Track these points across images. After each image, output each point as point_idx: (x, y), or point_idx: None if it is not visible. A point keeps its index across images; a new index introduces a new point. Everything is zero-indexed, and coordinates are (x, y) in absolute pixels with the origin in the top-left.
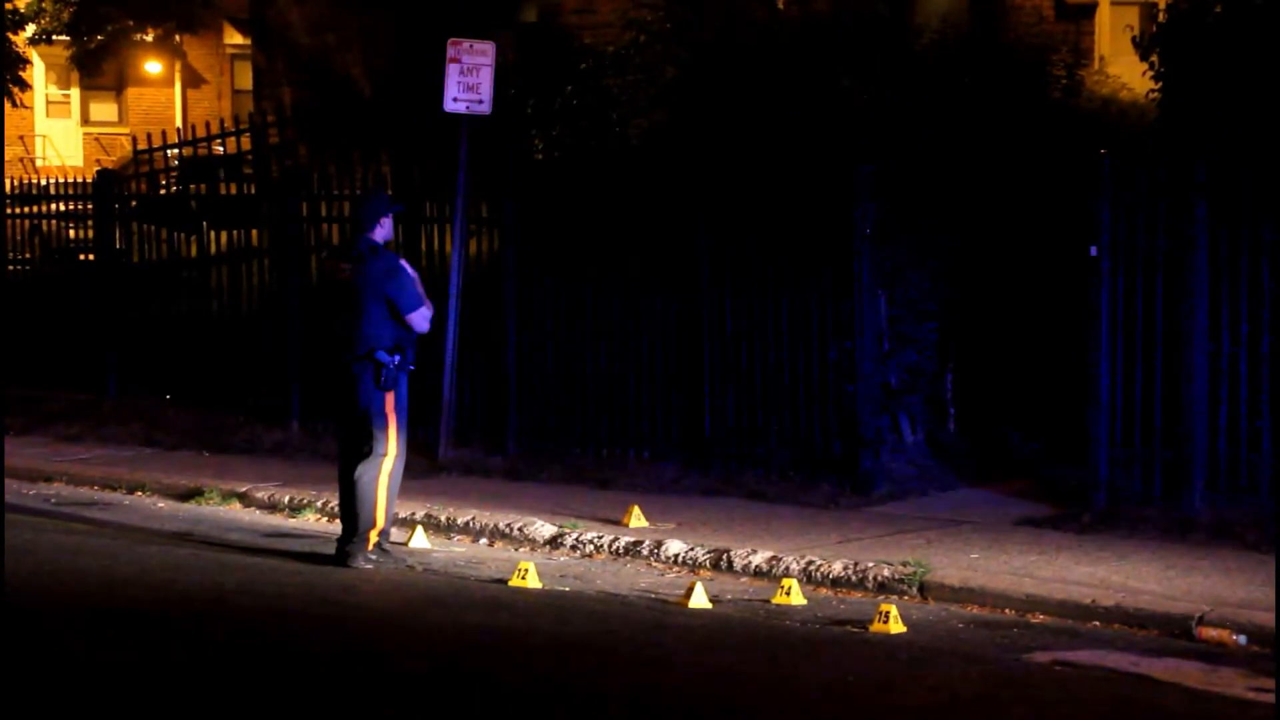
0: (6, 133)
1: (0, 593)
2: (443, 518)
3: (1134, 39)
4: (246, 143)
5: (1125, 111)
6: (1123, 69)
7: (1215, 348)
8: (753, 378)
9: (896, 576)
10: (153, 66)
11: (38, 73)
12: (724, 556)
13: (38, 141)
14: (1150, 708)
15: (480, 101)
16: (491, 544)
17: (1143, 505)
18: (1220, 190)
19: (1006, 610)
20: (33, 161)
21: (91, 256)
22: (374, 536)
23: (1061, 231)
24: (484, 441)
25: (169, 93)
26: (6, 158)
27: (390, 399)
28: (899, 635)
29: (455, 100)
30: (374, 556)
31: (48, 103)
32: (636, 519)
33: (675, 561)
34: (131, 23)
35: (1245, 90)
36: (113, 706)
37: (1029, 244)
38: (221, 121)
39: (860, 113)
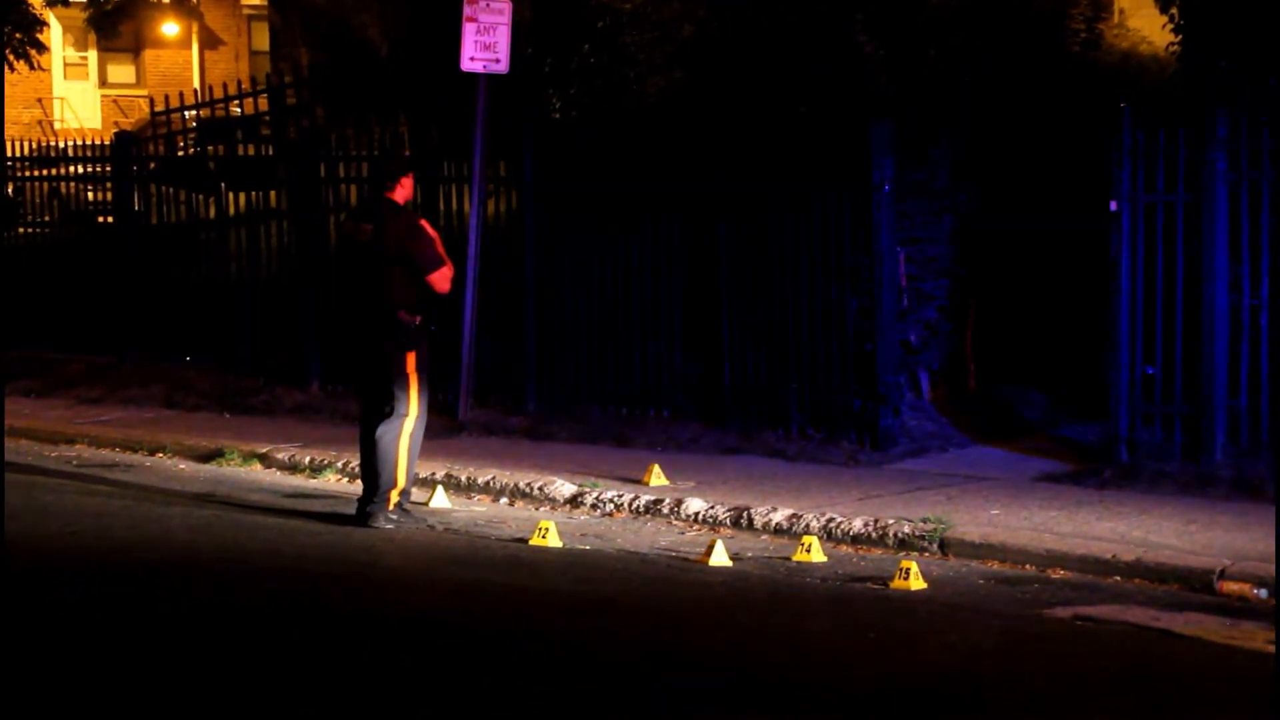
0: (24, 96)
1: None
2: (463, 477)
3: None
4: (264, 104)
5: (1145, 65)
6: (1143, 22)
7: (1235, 301)
8: (771, 336)
9: (917, 533)
10: (170, 28)
11: (55, 35)
12: (744, 514)
13: (56, 104)
14: (1171, 661)
15: (497, 61)
16: (512, 503)
17: (1163, 460)
18: (1240, 143)
19: (1027, 566)
20: (51, 124)
21: (110, 219)
22: (395, 496)
23: (1081, 186)
24: (503, 401)
25: (186, 54)
26: (25, 120)
27: (411, 359)
28: (919, 592)
29: (472, 60)
30: (395, 516)
31: (65, 65)
32: (656, 477)
33: (695, 520)
34: None
35: (1265, 43)
36: (136, 666)
37: (1048, 199)
38: (239, 83)
39: (877, 69)
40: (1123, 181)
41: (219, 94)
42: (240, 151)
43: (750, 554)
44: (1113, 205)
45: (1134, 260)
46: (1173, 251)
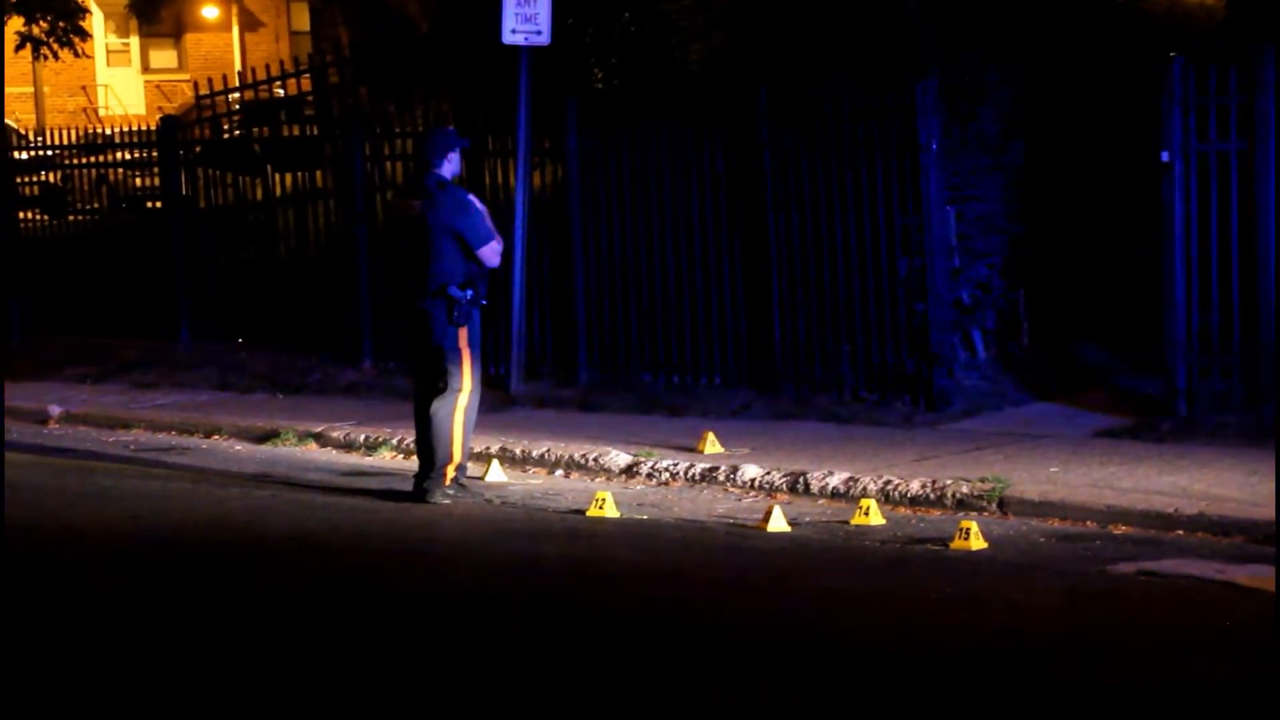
0: (69, 84)
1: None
2: (518, 451)
3: None
4: (306, 84)
5: (1191, 13)
6: None
7: None
8: (822, 300)
9: (975, 493)
10: (210, 11)
11: (97, 22)
12: (800, 479)
13: (100, 91)
14: (1235, 614)
15: (539, 32)
16: (567, 475)
17: (1222, 412)
18: None
19: (1088, 523)
20: (96, 111)
21: (158, 204)
22: (451, 471)
23: (1131, 137)
24: (555, 374)
25: (227, 37)
26: (70, 108)
27: (464, 334)
28: (980, 551)
29: (514, 32)
30: (451, 491)
31: (108, 52)
32: (711, 445)
33: (752, 486)
34: None
35: None
36: (201, 646)
37: (1099, 151)
38: (281, 64)
39: (922, 24)
40: (1174, 132)
41: (261, 76)
42: (285, 132)
43: (808, 519)
44: (1164, 156)
45: (1187, 210)
46: (1227, 198)
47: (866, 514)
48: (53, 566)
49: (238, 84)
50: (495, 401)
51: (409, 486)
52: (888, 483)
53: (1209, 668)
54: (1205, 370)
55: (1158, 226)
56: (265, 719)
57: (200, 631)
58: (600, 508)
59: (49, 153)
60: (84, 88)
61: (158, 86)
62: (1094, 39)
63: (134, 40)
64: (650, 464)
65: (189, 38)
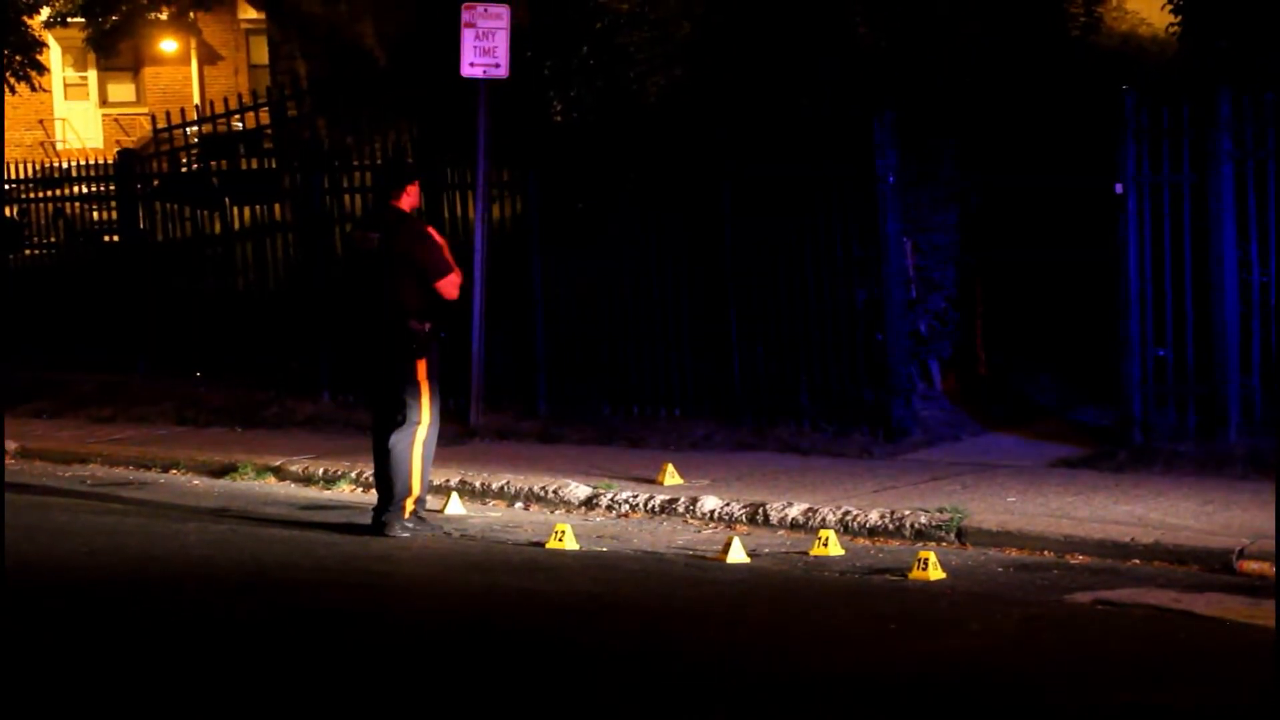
0: (26, 118)
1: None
2: (477, 483)
3: None
4: (265, 117)
5: (1145, 47)
6: (1141, 4)
7: (1245, 279)
8: (780, 331)
9: (934, 523)
10: (168, 45)
11: (54, 56)
12: (760, 510)
13: (57, 125)
14: (1194, 643)
15: (497, 65)
16: (527, 507)
17: (1178, 441)
18: (1244, 121)
19: (1045, 552)
20: (53, 145)
21: (115, 238)
22: (410, 504)
23: (1085, 170)
24: (515, 406)
25: (185, 71)
26: (27, 142)
27: (422, 367)
28: (939, 581)
29: (472, 65)
30: (410, 524)
31: (65, 85)
32: (671, 476)
33: (711, 517)
34: (146, 1)
35: (1264, 21)
36: (156, 682)
37: (1054, 184)
38: (240, 97)
39: (878, 59)
40: (1128, 163)
41: (220, 109)
42: (243, 165)
43: (767, 550)
44: (1118, 188)
45: (1141, 242)
46: (1180, 231)
47: (825, 545)
48: (6, 602)
49: (196, 117)
50: (454, 434)
51: (368, 519)
52: (846, 513)
53: (1168, 696)
54: (1160, 400)
55: (1112, 257)
56: None
57: (156, 667)
58: (560, 540)
59: (6, 187)
60: (41, 121)
61: (116, 120)
62: (1049, 72)
63: (92, 74)
64: (610, 496)
65: (147, 71)
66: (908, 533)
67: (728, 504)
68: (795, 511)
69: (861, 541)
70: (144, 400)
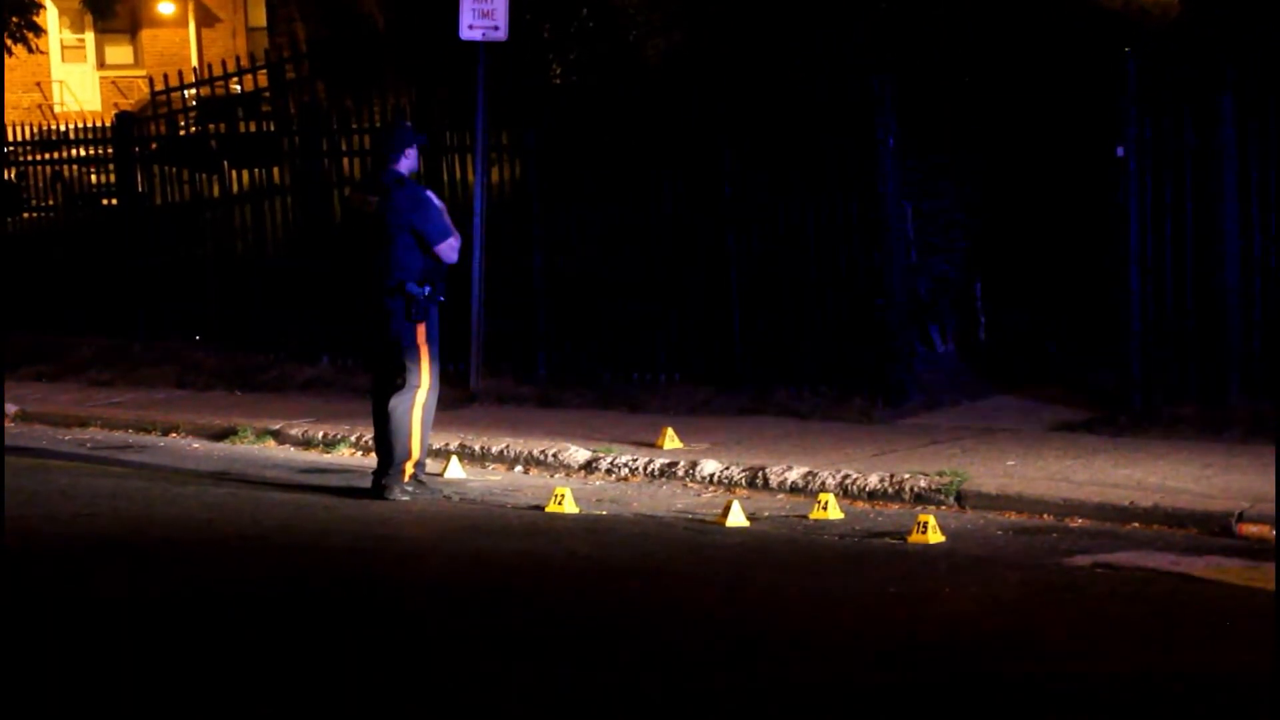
0: (23, 80)
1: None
2: (477, 447)
3: None
4: (264, 80)
5: (1147, 9)
6: None
7: (1246, 243)
8: (781, 295)
9: (933, 487)
10: (166, 7)
11: (51, 18)
12: (759, 474)
13: (55, 87)
14: (1192, 606)
15: (496, 28)
16: (527, 471)
17: (1178, 405)
18: (1248, 85)
19: (1045, 515)
20: (51, 108)
21: (114, 201)
22: (410, 468)
23: (1088, 133)
24: (514, 370)
25: (183, 33)
26: (25, 104)
27: (421, 330)
28: (938, 545)
29: (470, 28)
30: (410, 488)
31: (63, 48)
32: (670, 440)
33: (711, 481)
34: None
35: None
36: (157, 646)
37: (1056, 148)
38: (238, 59)
39: (878, 21)
40: (1130, 128)
41: (218, 71)
42: (241, 129)
43: (767, 514)
44: (1119, 151)
45: (1143, 205)
46: (1182, 194)
47: (825, 508)
48: (6, 565)
49: (194, 80)
50: (454, 398)
51: (368, 483)
52: (846, 477)
53: (1167, 658)
54: (1162, 365)
55: (1114, 221)
56: (226, 713)
57: (154, 631)
58: (559, 503)
59: (3, 150)
60: (39, 84)
61: (113, 83)
62: (1051, 35)
63: (89, 36)
64: (609, 460)
65: (145, 33)
66: (907, 496)
67: (727, 468)
68: (795, 475)
69: (861, 505)
70: (143, 364)
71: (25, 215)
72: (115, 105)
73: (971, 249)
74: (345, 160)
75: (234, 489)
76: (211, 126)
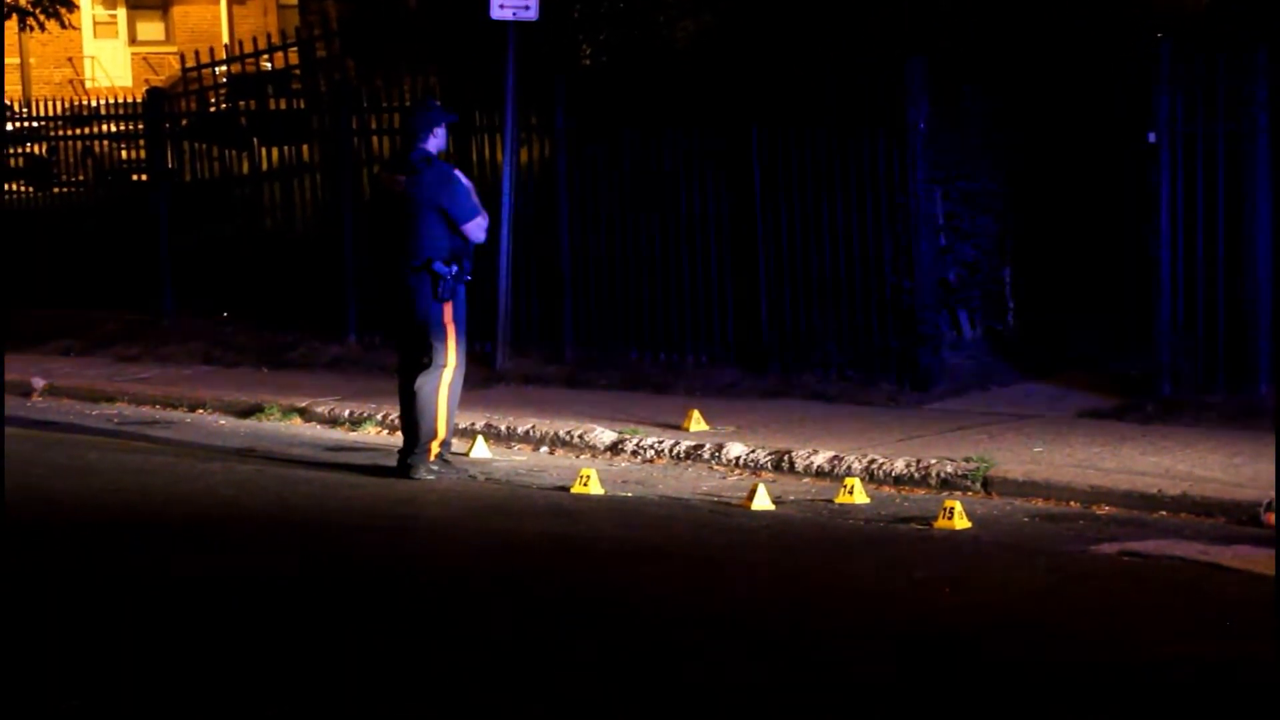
0: (55, 55)
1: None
2: (503, 427)
3: None
4: (294, 57)
5: None
6: None
7: (1278, 230)
8: (809, 278)
9: (959, 472)
10: None
11: None
12: (785, 458)
13: (86, 63)
14: (1219, 594)
15: (526, 8)
16: (552, 452)
17: (1207, 393)
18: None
19: (1071, 503)
20: (82, 83)
21: (144, 177)
22: (435, 447)
23: (1119, 119)
24: (541, 350)
25: (215, 9)
26: (56, 80)
27: (449, 309)
28: (964, 531)
29: (502, 7)
30: (436, 467)
31: (95, 24)
32: (696, 423)
33: (737, 464)
34: None
35: None
36: (182, 622)
37: (1086, 133)
38: (269, 37)
39: (910, 5)
40: (1161, 113)
41: (249, 49)
42: (272, 106)
43: (792, 497)
44: (1151, 137)
45: (1174, 192)
46: (1214, 181)
47: (851, 493)
48: (35, 539)
49: (225, 57)
50: (481, 377)
51: (393, 462)
52: (872, 461)
53: (1193, 647)
54: (1191, 352)
55: (1145, 208)
56: (248, 696)
57: (183, 606)
58: (585, 485)
59: (35, 124)
60: (70, 59)
61: (145, 59)
62: (1083, 20)
63: (121, 12)
64: (635, 441)
65: (176, 10)
66: (933, 482)
67: (753, 451)
68: (821, 459)
69: (887, 490)
70: (171, 340)
71: (55, 190)
72: (146, 81)
73: (1001, 234)
74: (375, 139)
75: (260, 466)
76: (242, 104)
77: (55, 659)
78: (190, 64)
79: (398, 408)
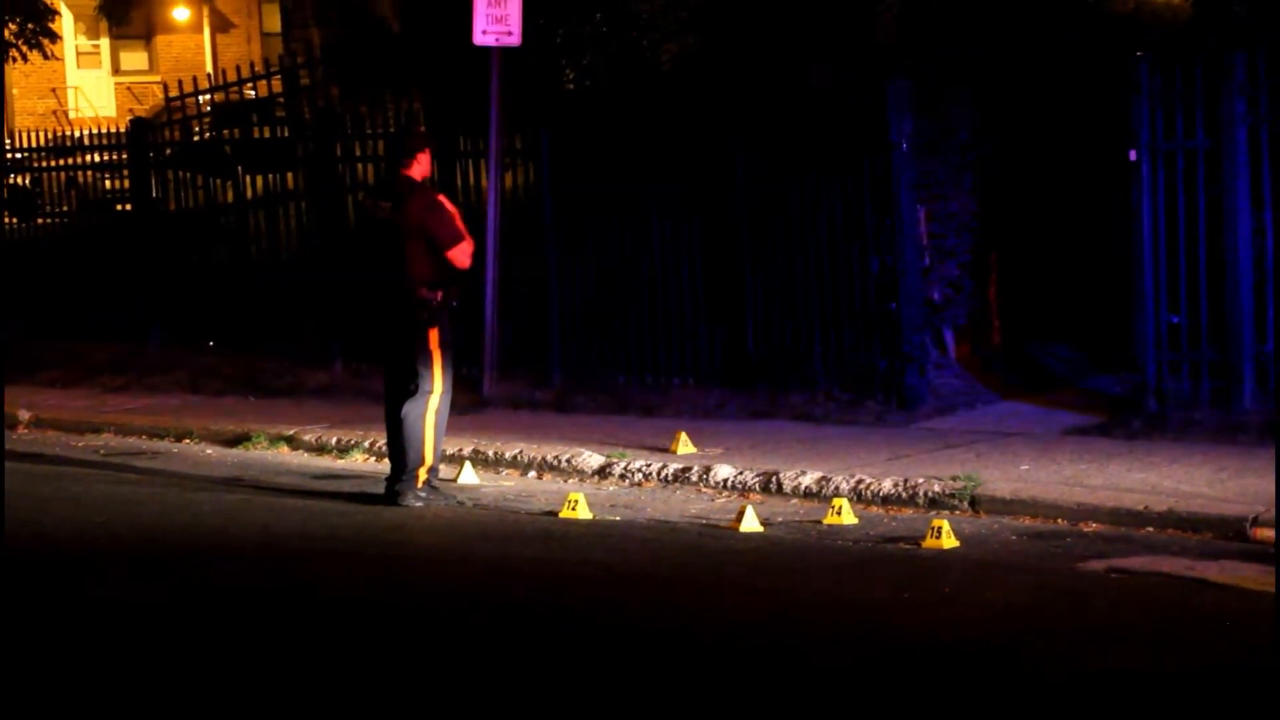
0: (39, 86)
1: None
2: (490, 452)
3: None
4: (278, 85)
5: (1158, 13)
6: None
7: (1259, 247)
8: (794, 299)
9: (947, 491)
10: (180, 13)
11: (66, 24)
12: (773, 479)
13: (70, 93)
14: (1207, 610)
15: (509, 33)
16: (540, 476)
17: (1192, 409)
18: (1258, 86)
19: (1059, 520)
20: (66, 114)
21: (128, 206)
22: (423, 474)
23: (1100, 136)
24: (528, 375)
25: (198, 39)
26: (40, 110)
27: (435, 335)
28: (952, 550)
29: (484, 33)
30: (423, 494)
31: (78, 54)
32: (684, 445)
33: (725, 486)
34: None
35: None
36: (170, 651)
37: (1069, 150)
38: (252, 65)
39: (893, 26)
40: (1141, 131)
41: (232, 77)
42: (256, 134)
43: (781, 518)
44: (1131, 155)
45: (1155, 208)
46: (1194, 198)
47: (839, 513)
48: (21, 571)
49: (208, 85)
50: (468, 403)
51: (381, 489)
52: (860, 482)
53: (1181, 662)
54: (1175, 368)
55: (1126, 225)
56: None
57: (167, 638)
58: (573, 509)
59: (18, 156)
60: (54, 90)
61: (128, 88)
62: (1063, 39)
63: (104, 42)
64: (623, 465)
65: (160, 39)
66: (921, 501)
67: (741, 472)
68: (809, 480)
69: (875, 510)
70: (157, 369)
71: (39, 220)
72: (130, 111)
73: (985, 252)
74: (359, 165)
75: (247, 495)
76: (226, 132)
77: (35, 692)
78: (174, 93)
79: (385, 435)
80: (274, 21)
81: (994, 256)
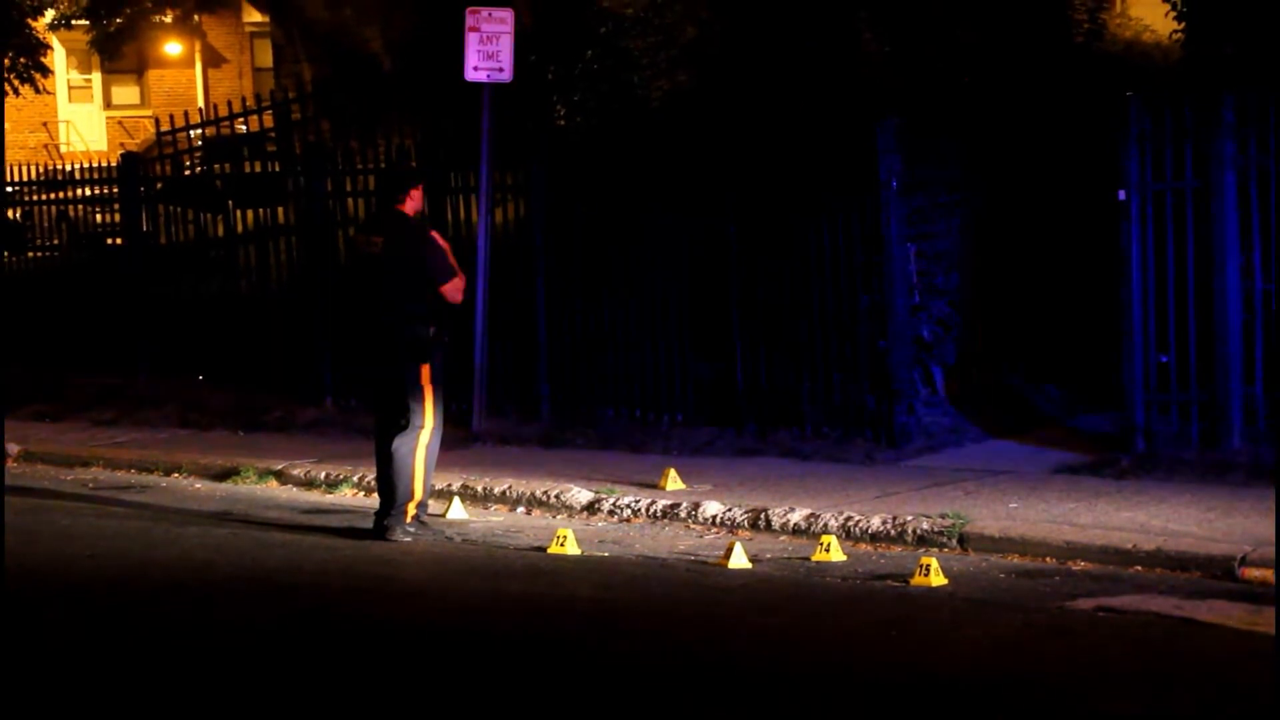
0: (30, 120)
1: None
2: (479, 488)
3: None
4: (269, 120)
5: (1149, 54)
6: (1145, 10)
7: (1248, 287)
8: (784, 336)
9: (935, 529)
10: (173, 48)
11: (59, 58)
12: (762, 515)
13: (61, 127)
14: (1195, 650)
15: (501, 70)
16: (529, 512)
17: (1180, 448)
18: (1248, 128)
19: (1047, 559)
20: (57, 148)
21: (119, 240)
22: (412, 509)
23: (1089, 176)
24: (517, 410)
25: (190, 73)
26: (31, 144)
27: (426, 371)
28: (940, 588)
29: (476, 69)
30: (412, 529)
31: (70, 88)
32: (673, 481)
33: (713, 522)
34: (150, 4)
35: (1269, 27)
36: (155, 687)
37: (1057, 190)
38: (243, 100)
39: (883, 65)
40: (1131, 170)
41: (224, 112)
42: (247, 169)
43: (769, 555)
44: (1121, 195)
45: (1144, 249)
46: (1183, 239)
47: (827, 550)
48: (10, 606)
49: (200, 120)
50: (457, 438)
51: (370, 524)
52: (849, 519)
53: (1169, 703)
54: (1163, 408)
55: (1116, 264)
56: None
57: (156, 672)
58: (561, 545)
59: (9, 189)
60: (45, 124)
61: (120, 123)
62: (1054, 78)
63: (96, 76)
64: (612, 501)
65: (151, 74)
66: (910, 538)
67: (730, 509)
68: (797, 517)
69: (863, 547)
70: (146, 403)
71: (30, 254)
72: (121, 145)
73: (974, 291)
74: (350, 200)
75: (236, 529)
76: (217, 166)
77: None
78: (165, 127)
79: (374, 469)
80: (266, 57)
81: (983, 294)
